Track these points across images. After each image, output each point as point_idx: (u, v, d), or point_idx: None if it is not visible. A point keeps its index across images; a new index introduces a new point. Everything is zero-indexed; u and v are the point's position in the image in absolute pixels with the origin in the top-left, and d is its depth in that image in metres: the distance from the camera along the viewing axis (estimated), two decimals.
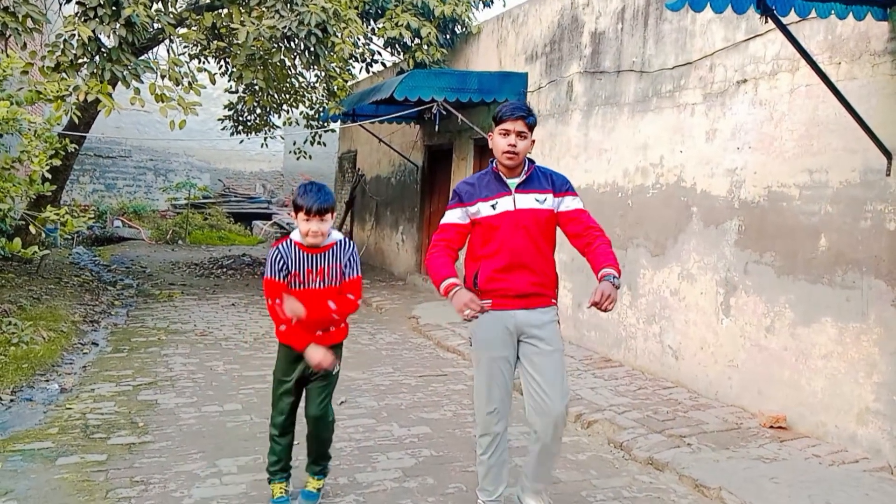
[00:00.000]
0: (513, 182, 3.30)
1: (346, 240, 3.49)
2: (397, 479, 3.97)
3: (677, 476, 4.11)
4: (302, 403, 3.58)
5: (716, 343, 5.46)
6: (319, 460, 3.65)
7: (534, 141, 3.31)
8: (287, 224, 17.61)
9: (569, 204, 3.34)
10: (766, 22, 3.89)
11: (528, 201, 3.28)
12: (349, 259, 3.46)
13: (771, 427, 4.76)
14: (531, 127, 3.26)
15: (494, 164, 3.35)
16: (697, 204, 5.70)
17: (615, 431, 4.73)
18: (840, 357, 4.49)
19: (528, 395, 3.28)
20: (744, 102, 5.31)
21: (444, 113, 8.28)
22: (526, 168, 3.32)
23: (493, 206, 3.27)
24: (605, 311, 3.10)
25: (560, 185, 3.35)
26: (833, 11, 4.07)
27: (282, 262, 3.37)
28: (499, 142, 3.26)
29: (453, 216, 3.36)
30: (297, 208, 3.31)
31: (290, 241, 3.41)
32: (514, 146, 3.21)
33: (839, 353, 4.50)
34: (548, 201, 3.30)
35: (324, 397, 3.53)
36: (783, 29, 3.92)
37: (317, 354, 3.34)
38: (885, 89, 4.28)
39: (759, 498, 3.71)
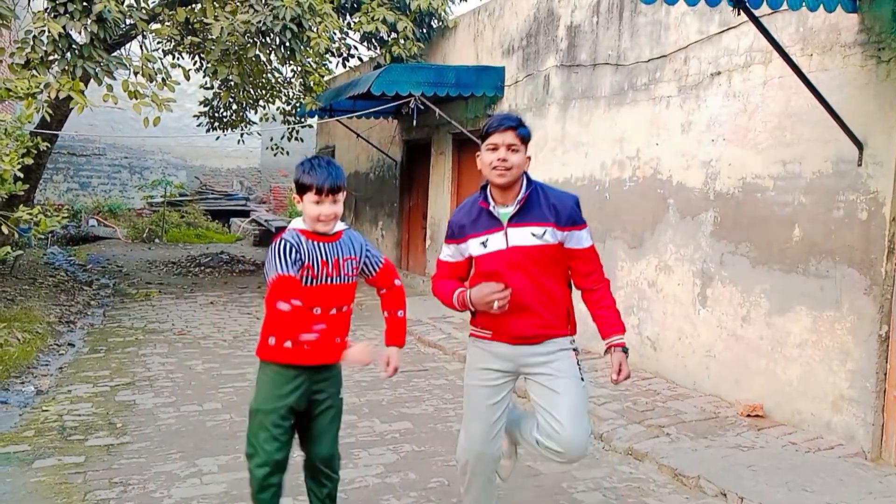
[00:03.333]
0: (505, 213, 2.83)
1: (350, 229, 2.96)
2: (379, 474, 3.97)
3: (657, 466, 4.15)
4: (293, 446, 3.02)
5: (693, 334, 5.52)
6: None
7: (529, 158, 2.85)
8: (265, 221, 17.48)
9: (576, 242, 2.88)
10: (739, 14, 3.93)
11: (522, 237, 2.81)
12: (367, 250, 2.93)
13: (748, 416, 4.82)
14: (524, 140, 2.80)
15: (485, 193, 2.88)
16: (674, 196, 5.75)
17: (595, 423, 4.76)
18: (815, 345, 4.56)
19: (544, 433, 2.87)
20: (718, 95, 5.35)
21: (422, 107, 8.26)
22: (523, 192, 2.83)
23: (484, 244, 2.85)
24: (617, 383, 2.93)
25: (566, 217, 2.85)
26: (804, 3, 4.11)
27: (294, 253, 2.70)
28: (487, 157, 2.80)
29: (446, 254, 3.01)
30: (304, 188, 2.72)
31: (294, 231, 2.79)
32: (505, 160, 2.75)
33: (814, 341, 4.57)
34: (547, 235, 2.81)
35: (337, 429, 2.96)
36: (755, 21, 3.96)
37: (360, 353, 2.75)
38: (855, 80, 4.34)
39: (738, 486, 3.76)
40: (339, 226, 2.88)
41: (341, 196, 2.77)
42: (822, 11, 4.19)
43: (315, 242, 2.78)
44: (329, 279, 2.78)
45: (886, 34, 4.16)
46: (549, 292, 2.86)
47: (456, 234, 2.94)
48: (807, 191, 4.64)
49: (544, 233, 2.82)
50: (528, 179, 2.88)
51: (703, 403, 5.11)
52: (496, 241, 2.84)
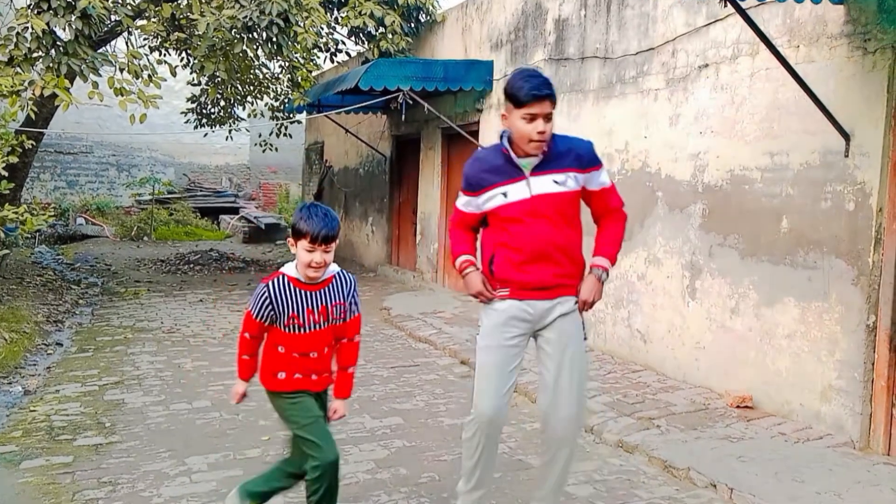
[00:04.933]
0: (526, 163, 2.83)
1: (344, 272, 3.02)
2: (370, 470, 3.96)
3: (647, 458, 4.16)
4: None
5: (683, 326, 5.53)
6: None
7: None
8: (255, 218, 17.42)
9: (597, 181, 2.94)
10: (726, 6, 3.93)
11: (545, 185, 2.82)
12: (353, 296, 2.99)
13: (738, 407, 4.84)
14: (555, 105, 2.79)
15: (505, 143, 2.87)
16: (662, 189, 5.75)
17: (585, 415, 4.77)
18: (803, 336, 4.58)
19: (542, 392, 3.00)
20: (705, 87, 5.36)
21: (411, 102, 8.24)
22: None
23: (505, 195, 2.84)
24: (587, 310, 2.99)
25: (587, 160, 2.90)
26: None
27: (269, 306, 2.86)
28: (523, 128, 2.75)
29: (461, 203, 3.03)
30: (300, 234, 2.78)
31: (284, 277, 2.89)
32: (544, 133, 2.73)
33: (802, 332, 4.58)
34: (569, 181, 2.85)
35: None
36: (742, 13, 3.96)
37: (236, 393, 3.07)
38: (842, 72, 4.35)
39: (728, 477, 3.77)
40: (331, 269, 2.94)
41: (333, 245, 2.84)
42: (809, 3, 4.19)
43: (303, 291, 2.88)
44: (316, 325, 2.90)
45: (872, 25, 4.17)
46: (569, 240, 2.90)
47: (473, 187, 2.93)
48: (794, 182, 4.66)
49: (565, 180, 2.84)
50: None
51: (692, 395, 5.13)
52: (518, 191, 2.83)
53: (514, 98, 2.78)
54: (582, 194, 2.94)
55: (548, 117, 2.75)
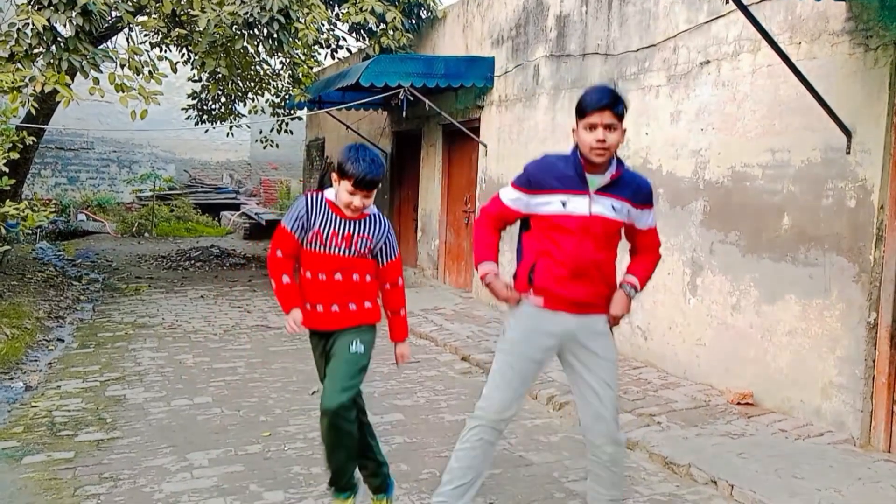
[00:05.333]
0: (595, 181, 2.89)
1: (381, 216, 3.06)
2: None
3: (648, 454, 4.16)
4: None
5: (683, 323, 5.53)
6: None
7: (625, 131, 2.88)
8: (256, 214, 17.41)
9: (646, 221, 3.04)
10: (728, 3, 3.92)
11: (604, 208, 2.89)
12: (386, 237, 3.02)
13: (738, 403, 4.85)
14: (620, 117, 2.83)
15: (576, 155, 2.93)
16: (664, 185, 5.75)
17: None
18: (804, 333, 4.58)
19: (584, 408, 3.01)
20: (707, 84, 5.35)
21: (412, 99, 8.23)
22: (614, 169, 2.91)
23: (564, 204, 2.88)
24: (616, 325, 3.05)
25: (643, 197, 2.99)
26: None
27: (303, 218, 2.92)
28: (585, 137, 2.83)
29: (509, 197, 3.01)
30: (344, 174, 2.85)
31: (322, 196, 2.97)
32: (604, 141, 2.80)
33: (803, 329, 4.58)
34: (623, 212, 2.93)
35: (342, 376, 2.99)
36: (744, 10, 3.95)
37: (292, 319, 2.94)
38: (843, 68, 4.34)
39: (728, 473, 3.77)
40: (370, 209, 3.02)
41: (374, 192, 2.91)
42: (811, 0, 4.19)
43: (335, 214, 2.95)
44: (338, 249, 2.94)
45: (874, 22, 4.16)
46: (607, 264, 2.98)
47: (533, 185, 2.94)
48: (796, 179, 4.65)
49: (622, 208, 2.93)
50: (619, 161, 2.94)
51: (693, 392, 5.13)
52: (579, 205, 2.88)
53: (579, 108, 2.87)
54: (626, 229, 3.03)
55: (610, 127, 2.81)
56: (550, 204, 2.90)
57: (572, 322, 2.94)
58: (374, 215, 3.02)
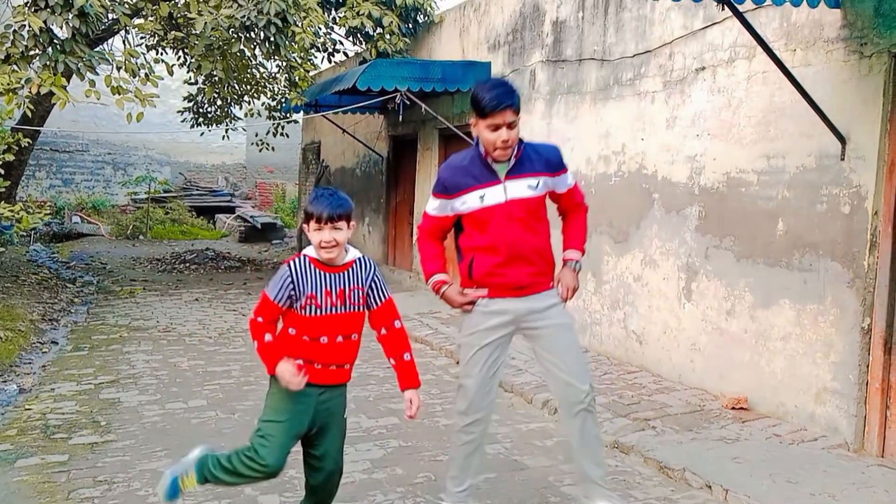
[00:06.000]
0: (501, 167, 2.98)
1: (366, 258, 3.01)
2: (366, 470, 3.96)
3: (642, 458, 4.17)
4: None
5: (678, 327, 5.55)
6: None
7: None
8: (251, 217, 17.39)
9: (565, 183, 3.15)
10: (723, 10, 3.94)
11: (519, 189, 2.99)
12: (374, 279, 2.95)
13: (733, 408, 4.86)
14: (518, 110, 2.93)
15: (481, 149, 3.01)
16: (659, 191, 5.77)
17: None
18: (798, 338, 4.60)
19: (550, 378, 3.13)
20: (702, 90, 5.37)
21: (408, 103, 8.25)
22: (516, 149, 3.00)
23: (482, 198, 2.98)
24: (570, 298, 3.16)
25: (555, 164, 3.09)
26: None
27: (289, 287, 2.82)
28: (488, 137, 2.92)
29: (433, 207, 3.12)
30: (308, 217, 2.85)
31: (305, 257, 2.89)
32: (507, 140, 2.89)
33: (797, 334, 4.60)
34: (541, 185, 3.03)
35: (342, 444, 3.09)
36: (739, 16, 3.97)
37: (288, 372, 2.78)
38: (838, 75, 4.37)
39: (722, 478, 3.78)
40: (352, 254, 2.94)
41: (343, 224, 2.82)
42: (806, 7, 4.21)
43: (322, 272, 2.86)
44: (333, 308, 2.86)
45: (869, 29, 4.19)
46: (541, 241, 3.08)
47: (448, 190, 3.04)
48: (790, 185, 4.67)
49: (538, 183, 3.02)
50: (519, 139, 3.02)
51: (688, 396, 5.14)
52: (494, 195, 2.98)
53: (478, 109, 2.91)
54: (549, 196, 3.16)
55: (511, 125, 2.89)
56: (470, 201, 3.01)
57: (520, 305, 3.05)
58: (359, 259, 2.97)
